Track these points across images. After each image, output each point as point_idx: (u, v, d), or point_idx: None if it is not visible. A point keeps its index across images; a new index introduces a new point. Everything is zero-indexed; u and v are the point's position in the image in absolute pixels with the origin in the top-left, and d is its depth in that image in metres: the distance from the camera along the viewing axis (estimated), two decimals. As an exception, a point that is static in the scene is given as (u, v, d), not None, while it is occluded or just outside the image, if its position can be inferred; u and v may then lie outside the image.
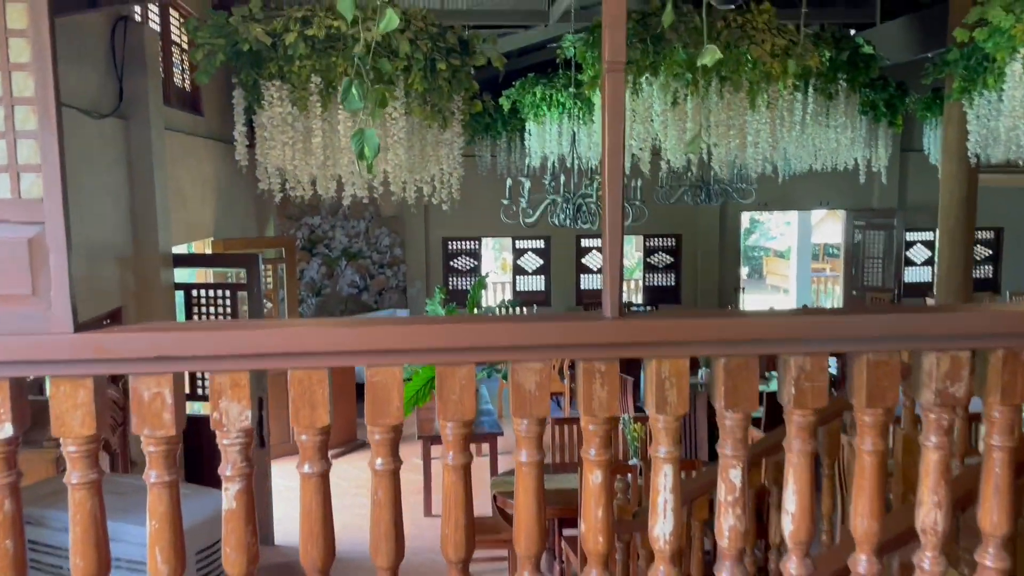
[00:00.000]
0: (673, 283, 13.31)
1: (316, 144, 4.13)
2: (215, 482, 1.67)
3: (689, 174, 9.02)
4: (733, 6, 3.69)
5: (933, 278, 12.97)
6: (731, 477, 1.64)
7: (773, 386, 7.52)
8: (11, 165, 1.43)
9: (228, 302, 6.12)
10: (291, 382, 1.53)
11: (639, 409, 7.29)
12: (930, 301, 12.46)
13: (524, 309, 12.02)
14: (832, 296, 16.47)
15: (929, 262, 13.32)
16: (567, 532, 5.37)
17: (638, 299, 13.51)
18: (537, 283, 13.07)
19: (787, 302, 17.24)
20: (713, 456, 6.53)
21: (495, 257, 18.44)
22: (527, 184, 7.30)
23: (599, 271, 12.56)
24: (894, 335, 1.63)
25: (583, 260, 13.05)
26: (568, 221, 7.52)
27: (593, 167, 7.99)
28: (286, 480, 6.69)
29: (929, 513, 1.67)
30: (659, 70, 5.33)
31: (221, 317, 6.12)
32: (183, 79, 6.81)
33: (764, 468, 3.78)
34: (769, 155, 6.09)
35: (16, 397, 1.51)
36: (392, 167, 4.34)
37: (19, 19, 1.40)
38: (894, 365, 1.63)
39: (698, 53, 4.96)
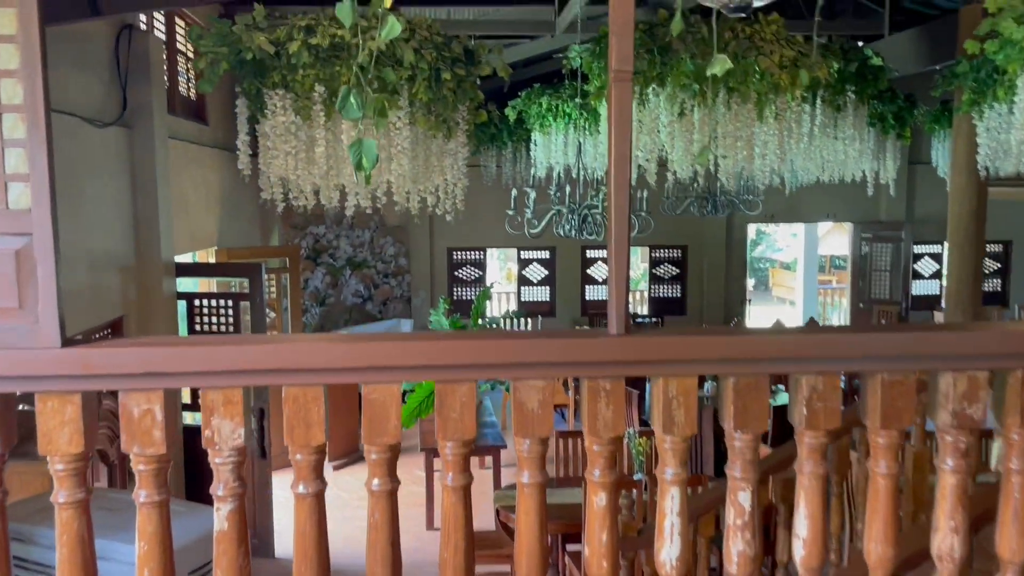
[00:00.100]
0: (679, 294, 13.24)
1: (319, 154, 4.09)
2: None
3: (695, 185, 8.96)
4: (744, 15, 3.65)
5: (941, 291, 12.89)
6: (740, 500, 1.59)
7: (780, 400, 7.45)
8: (-2, 174, 1.39)
9: (230, 312, 6.08)
10: (285, 399, 1.49)
11: (644, 422, 7.22)
12: (938, 314, 12.38)
13: (529, 319, 11.96)
14: (839, 308, 16.38)
15: (937, 275, 13.24)
16: (571, 548, 5.30)
17: (644, 311, 13.45)
18: (542, 294, 13.01)
19: (793, 314, 17.15)
20: (719, 471, 6.46)
21: (500, 267, 18.39)
22: (532, 195, 7.25)
23: (604, 282, 12.50)
24: (909, 354, 1.57)
25: (588, 271, 13.00)
26: (573, 232, 7.47)
27: (599, 178, 7.94)
28: (287, 492, 6.62)
29: (946, 539, 1.61)
30: (666, 81, 5.29)
31: (223, 327, 6.09)
32: (188, 88, 6.79)
33: (771, 485, 3.71)
34: (776, 167, 6.03)
35: (2, 414, 1.46)
36: (396, 177, 4.29)
37: (8, 24, 1.36)
38: (910, 385, 1.57)
39: (705, 64, 4.93)
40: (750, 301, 14.09)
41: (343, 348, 1.49)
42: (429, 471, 6.76)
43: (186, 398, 5.67)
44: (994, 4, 4.48)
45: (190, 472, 5.50)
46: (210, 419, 1.47)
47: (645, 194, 7.29)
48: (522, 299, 13.06)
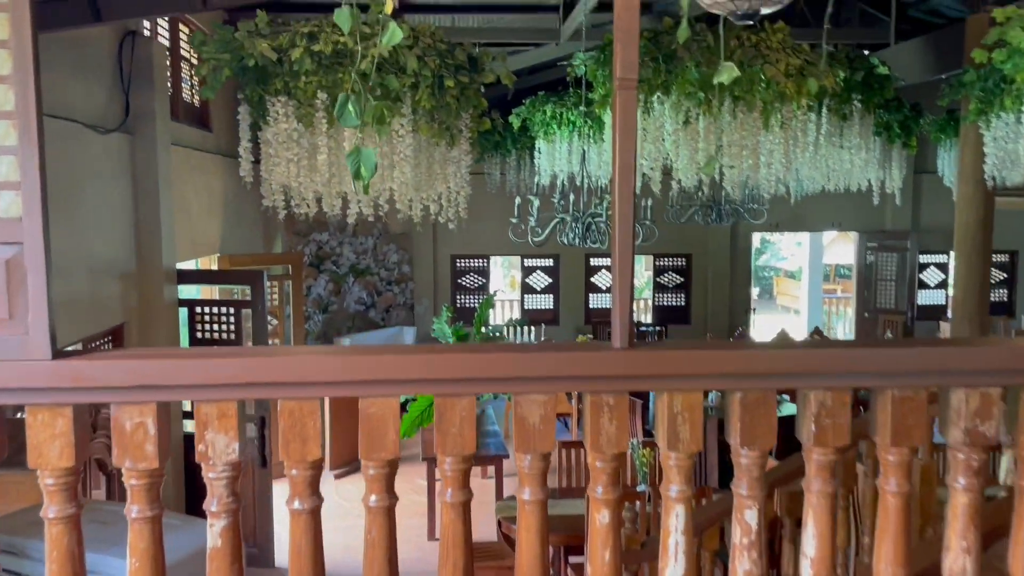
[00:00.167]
0: (683, 303, 13.19)
1: (321, 161, 4.07)
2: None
3: (700, 194, 8.93)
4: (750, 22, 3.62)
5: (947, 301, 12.82)
6: (747, 519, 1.55)
7: (785, 410, 7.39)
8: (-11, 182, 1.36)
9: (232, 319, 6.05)
10: (281, 413, 1.45)
11: (648, 433, 7.17)
12: (944, 324, 12.31)
13: (532, 327, 11.91)
14: (844, 318, 16.30)
15: (943, 285, 13.17)
16: (573, 560, 5.25)
17: (647, 319, 13.40)
18: (546, 302, 12.97)
19: (798, 323, 17.07)
20: (723, 482, 6.41)
21: (504, 275, 18.35)
22: (536, 202, 7.23)
23: (608, 290, 12.46)
24: (920, 370, 1.53)
25: (592, 279, 12.96)
26: (577, 240, 7.44)
27: (603, 186, 7.92)
28: (289, 500, 6.59)
29: (957, 559, 1.57)
30: (671, 89, 5.26)
31: (225, 335, 6.06)
32: (192, 94, 6.78)
33: (777, 498, 3.66)
34: (782, 175, 6.00)
35: (-9, 426, 1.43)
36: (399, 185, 4.27)
37: (0, 29, 1.33)
38: (920, 402, 1.53)
39: (711, 72, 4.90)
40: (754, 310, 14.02)
41: (340, 361, 1.46)
42: (431, 480, 6.71)
43: (187, 406, 5.63)
44: (1002, 14, 4.46)
45: (190, 481, 5.46)
46: (204, 433, 1.44)
47: (649, 202, 7.26)
48: (526, 307, 13.01)
